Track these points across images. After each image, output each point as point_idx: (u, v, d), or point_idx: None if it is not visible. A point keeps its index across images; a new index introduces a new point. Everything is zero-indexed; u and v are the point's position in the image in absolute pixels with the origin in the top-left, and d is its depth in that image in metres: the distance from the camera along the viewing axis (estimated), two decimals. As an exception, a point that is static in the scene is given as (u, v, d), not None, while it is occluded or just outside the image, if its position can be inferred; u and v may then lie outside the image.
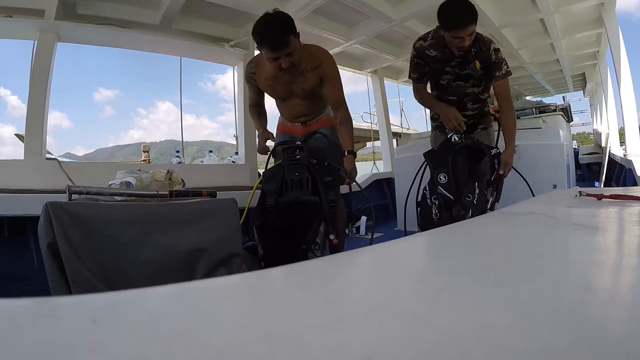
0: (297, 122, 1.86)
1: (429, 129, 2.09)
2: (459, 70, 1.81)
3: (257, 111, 1.88)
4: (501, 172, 1.73)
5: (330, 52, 3.50)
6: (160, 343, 0.20)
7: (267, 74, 1.67)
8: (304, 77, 1.66)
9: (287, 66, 1.53)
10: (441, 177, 1.75)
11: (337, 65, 1.76)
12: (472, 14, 1.58)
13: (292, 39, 1.48)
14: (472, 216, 1.58)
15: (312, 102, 1.78)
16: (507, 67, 1.75)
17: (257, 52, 3.16)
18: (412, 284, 0.33)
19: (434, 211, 1.76)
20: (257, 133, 1.85)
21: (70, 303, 0.28)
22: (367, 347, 0.20)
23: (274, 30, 1.46)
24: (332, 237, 1.55)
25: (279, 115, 1.96)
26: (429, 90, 1.98)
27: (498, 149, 1.75)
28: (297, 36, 1.52)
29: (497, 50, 1.73)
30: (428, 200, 1.79)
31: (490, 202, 1.69)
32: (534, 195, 1.55)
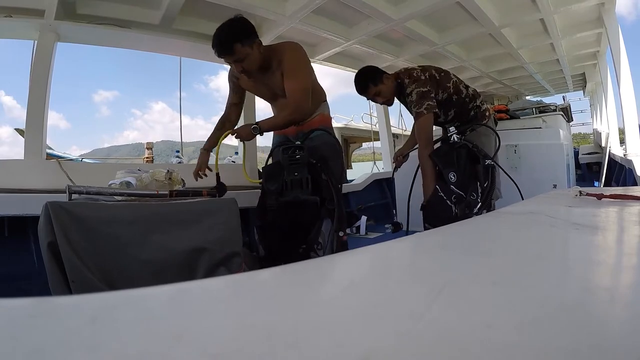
0: None
1: None
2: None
3: (220, 121, 1.88)
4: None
5: (329, 52, 3.47)
6: (161, 343, 0.20)
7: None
8: (274, 78, 1.66)
9: (240, 71, 1.60)
10: (451, 176, 1.75)
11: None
12: (362, 83, 1.96)
13: (238, 47, 1.51)
14: (477, 214, 1.58)
15: None
16: (418, 108, 1.85)
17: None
18: (411, 283, 0.33)
19: (455, 210, 1.76)
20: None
21: (71, 303, 0.28)
22: (366, 347, 0.20)
23: (218, 37, 1.53)
24: (341, 233, 1.56)
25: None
26: None
27: (493, 161, 1.73)
28: (252, 44, 1.54)
29: (411, 93, 1.87)
30: (448, 202, 1.78)
31: (477, 207, 1.67)
32: (522, 199, 1.54)
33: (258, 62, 1.59)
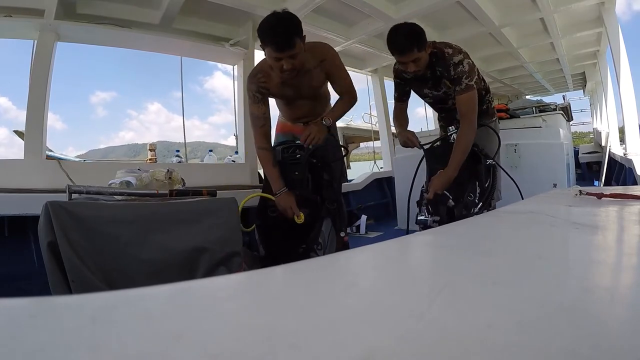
0: (299, 122, 1.86)
1: (428, 128, 2.12)
2: (435, 90, 1.80)
3: (266, 151, 1.63)
4: (426, 195, 1.64)
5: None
6: (160, 342, 0.20)
7: (277, 80, 1.60)
8: (310, 76, 1.62)
9: (289, 68, 1.47)
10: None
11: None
12: (412, 42, 1.58)
13: (298, 41, 1.43)
14: (477, 214, 1.57)
15: (317, 101, 1.78)
16: (469, 80, 1.64)
17: (256, 52, 3.16)
18: (412, 282, 0.33)
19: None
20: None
21: (71, 302, 0.28)
22: (367, 346, 0.20)
23: (280, 30, 1.42)
24: (342, 234, 1.55)
25: (279, 114, 1.96)
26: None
27: (494, 160, 1.69)
28: (303, 39, 1.48)
29: (456, 64, 1.65)
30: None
31: (478, 207, 1.63)
32: (522, 198, 1.54)
33: (302, 58, 1.52)
